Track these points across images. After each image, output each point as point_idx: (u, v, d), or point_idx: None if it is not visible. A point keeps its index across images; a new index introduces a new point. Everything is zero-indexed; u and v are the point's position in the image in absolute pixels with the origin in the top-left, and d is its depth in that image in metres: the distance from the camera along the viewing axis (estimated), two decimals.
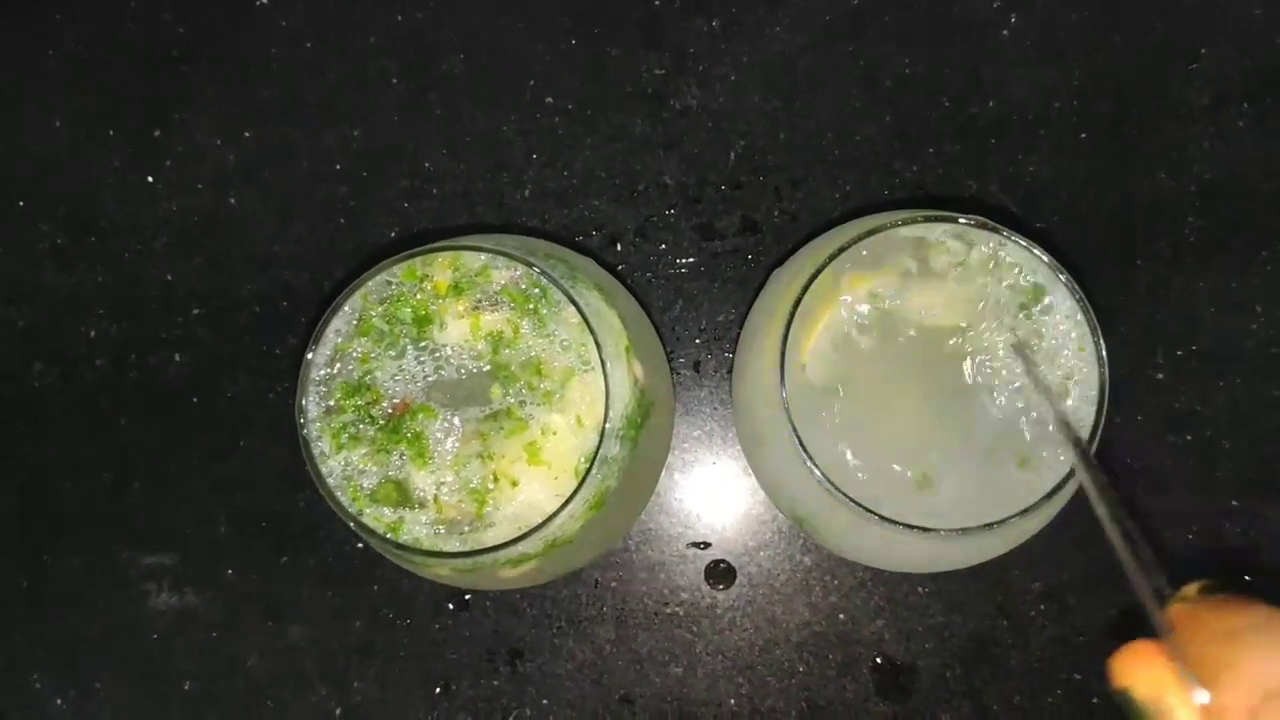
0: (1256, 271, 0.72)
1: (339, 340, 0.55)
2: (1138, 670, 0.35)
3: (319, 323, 0.55)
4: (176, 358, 0.75)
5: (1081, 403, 0.53)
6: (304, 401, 0.54)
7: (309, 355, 0.54)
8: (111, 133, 0.77)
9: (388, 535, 0.53)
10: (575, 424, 0.54)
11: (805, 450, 0.51)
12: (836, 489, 0.51)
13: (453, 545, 0.53)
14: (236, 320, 0.75)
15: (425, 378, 0.55)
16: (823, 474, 0.51)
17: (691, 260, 0.75)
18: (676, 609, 0.72)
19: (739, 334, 0.71)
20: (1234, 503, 0.71)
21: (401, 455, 0.55)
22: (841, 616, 0.72)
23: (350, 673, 0.73)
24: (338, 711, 0.73)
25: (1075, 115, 0.74)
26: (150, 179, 0.76)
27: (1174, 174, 0.73)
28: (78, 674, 0.74)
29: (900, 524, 0.50)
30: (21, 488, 0.75)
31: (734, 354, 0.71)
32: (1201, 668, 0.33)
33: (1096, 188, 0.74)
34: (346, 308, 0.55)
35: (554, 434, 0.54)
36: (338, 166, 0.76)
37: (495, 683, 0.72)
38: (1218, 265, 0.73)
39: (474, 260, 0.55)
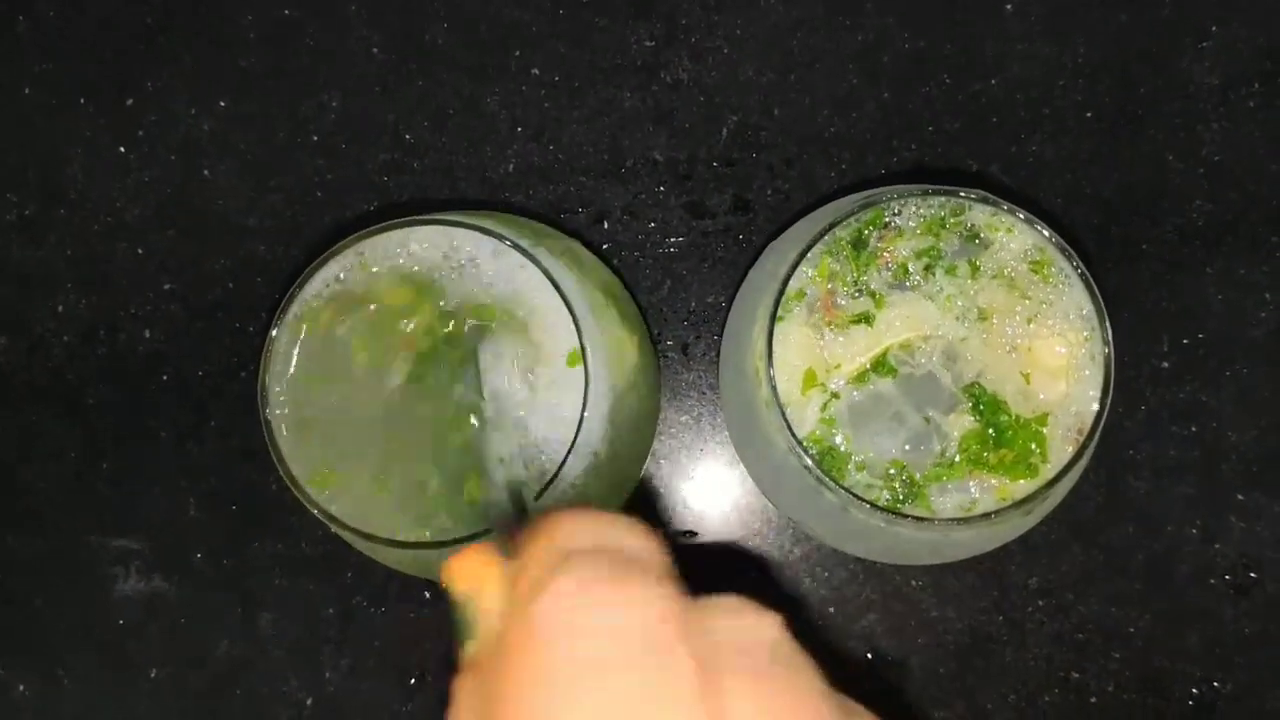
0: (1265, 257, 0.70)
1: (306, 316, 0.53)
2: (464, 569, 0.34)
3: (284, 299, 0.53)
4: (146, 334, 0.73)
5: (1086, 388, 0.50)
6: (267, 379, 0.51)
7: (273, 333, 0.52)
8: (82, 100, 0.74)
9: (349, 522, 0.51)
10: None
11: (793, 434, 0.49)
12: (825, 475, 0.48)
13: (419, 534, 0.51)
14: (209, 296, 0.73)
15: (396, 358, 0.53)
16: (813, 461, 0.49)
17: (681, 239, 0.72)
18: None
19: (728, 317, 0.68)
20: (1239, 496, 0.69)
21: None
22: (831, 610, 0.69)
23: (323, 662, 0.70)
24: (309, 702, 0.70)
25: (1080, 94, 0.71)
26: (122, 149, 0.74)
27: (1181, 156, 0.71)
28: (41, 660, 0.72)
29: (894, 513, 0.48)
30: None
31: (722, 336, 0.68)
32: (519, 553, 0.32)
33: (1101, 169, 0.71)
34: (312, 284, 0.52)
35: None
36: (316, 138, 0.73)
37: None
38: (1226, 250, 0.70)
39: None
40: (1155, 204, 0.71)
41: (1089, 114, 0.71)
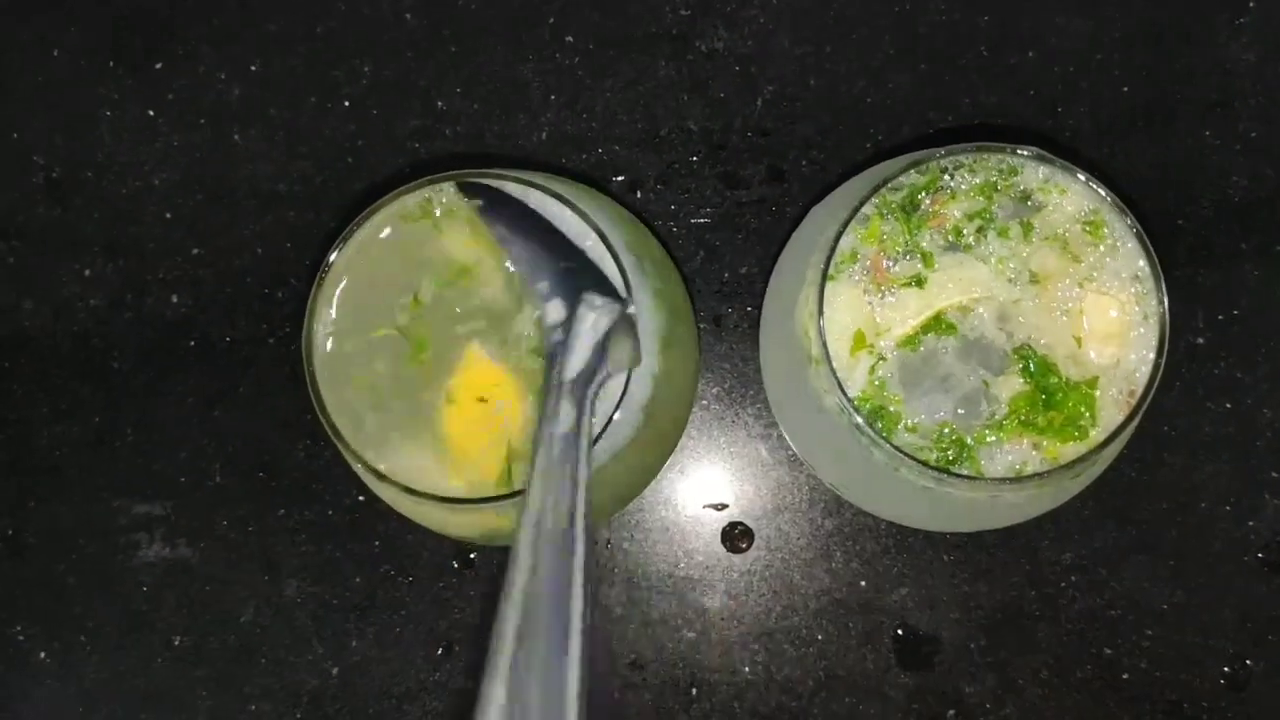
0: None
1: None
2: None
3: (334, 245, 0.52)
4: (174, 299, 0.72)
5: (1138, 350, 0.50)
6: (315, 326, 0.50)
7: (331, 258, 0.51)
8: (112, 64, 0.74)
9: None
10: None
11: (844, 393, 0.48)
12: (878, 434, 0.48)
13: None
14: (237, 261, 0.72)
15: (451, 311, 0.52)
16: (864, 420, 0.48)
17: (715, 210, 0.71)
18: (691, 572, 0.69)
19: (764, 288, 0.68)
20: (1273, 473, 0.69)
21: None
22: (863, 584, 0.69)
23: (349, 631, 0.70)
24: (334, 671, 0.70)
25: (1117, 69, 0.71)
26: (151, 113, 0.73)
27: (1218, 131, 0.70)
28: (63, 627, 0.71)
29: (946, 472, 0.47)
30: (7, 430, 0.72)
31: (758, 308, 0.68)
32: None
33: (1137, 144, 0.71)
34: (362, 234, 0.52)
35: None
36: (346, 103, 0.72)
37: None
38: (1262, 226, 0.70)
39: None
40: (1191, 180, 0.70)
41: (1125, 88, 0.71)
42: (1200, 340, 0.69)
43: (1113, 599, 0.68)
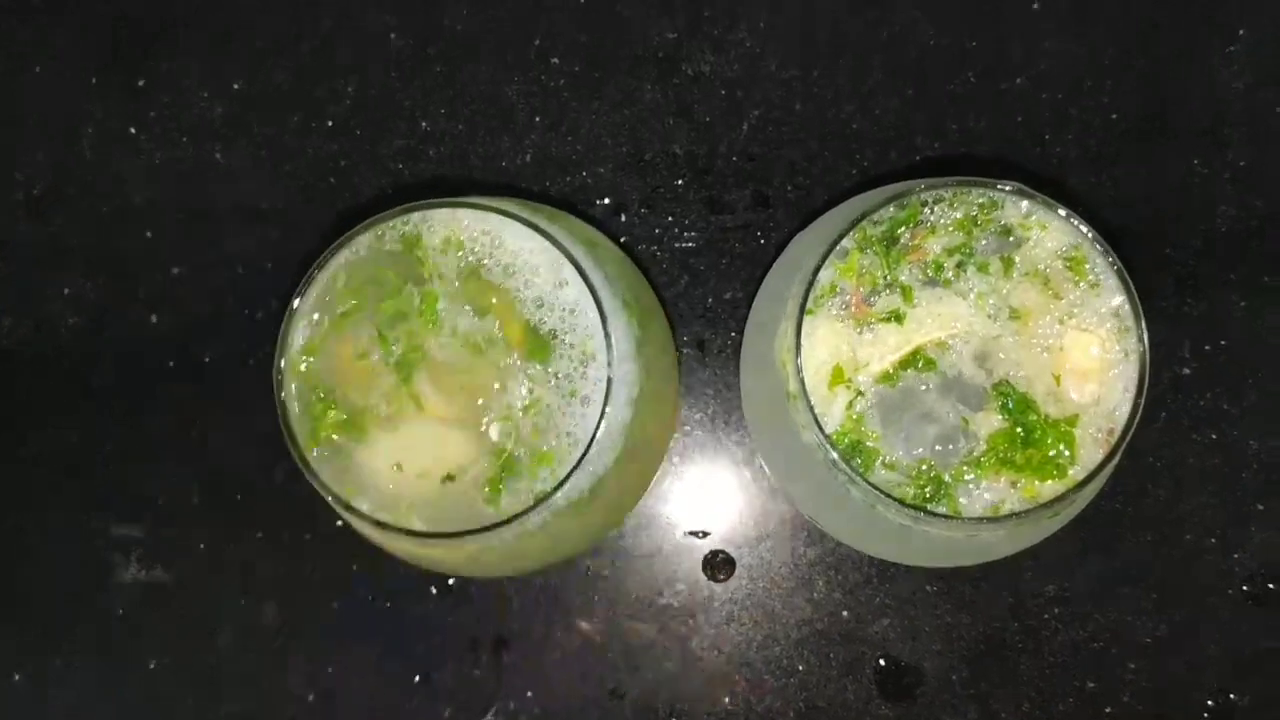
0: None
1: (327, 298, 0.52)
2: None
3: (302, 280, 0.52)
4: (154, 318, 0.71)
5: (1116, 388, 0.49)
6: (283, 362, 0.50)
7: (294, 303, 0.50)
8: (94, 80, 0.73)
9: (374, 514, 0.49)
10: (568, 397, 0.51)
11: (822, 429, 0.48)
12: (854, 471, 0.47)
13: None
14: (218, 281, 0.71)
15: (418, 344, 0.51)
16: (841, 457, 0.47)
17: (699, 234, 0.71)
18: (672, 600, 0.69)
19: (747, 313, 0.67)
20: (1259, 506, 0.68)
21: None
22: (845, 614, 0.68)
23: (326, 655, 0.69)
24: (310, 696, 0.69)
25: (1107, 95, 0.71)
26: (133, 130, 0.73)
27: (1207, 160, 0.70)
28: (38, 649, 0.70)
29: (922, 510, 0.47)
30: None
31: (742, 333, 0.67)
32: None
33: (1126, 172, 0.70)
34: (332, 264, 0.51)
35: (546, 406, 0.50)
36: (330, 123, 0.72)
37: (477, 672, 0.69)
38: (1250, 257, 0.69)
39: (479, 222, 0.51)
40: (1180, 208, 0.70)
41: (1114, 115, 0.70)
42: (1187, 371, 0.69)
43: (1096, 631, 0.68)
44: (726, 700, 0.68)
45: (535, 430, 0.50)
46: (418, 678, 0.69)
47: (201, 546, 0.70)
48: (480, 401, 0.51)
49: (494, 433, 0.50)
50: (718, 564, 0.69)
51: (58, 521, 0.71)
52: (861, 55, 0.71)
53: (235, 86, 0.72)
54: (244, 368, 0.71)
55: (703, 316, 0.71)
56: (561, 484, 0.47)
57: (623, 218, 0.71)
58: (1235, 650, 0.67)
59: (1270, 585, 0.68)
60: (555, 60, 0.72)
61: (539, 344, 0.50)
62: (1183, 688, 0.67)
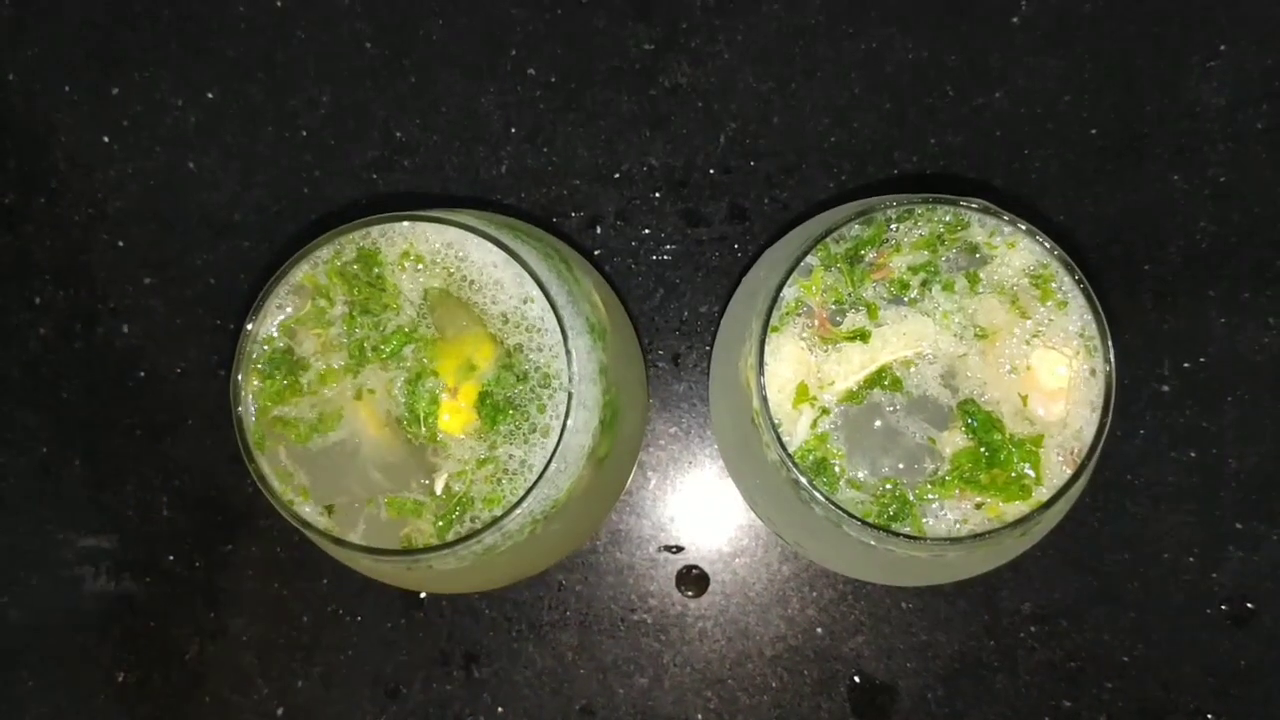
0: (1270, 282, 0.68)
1: (282, 317, 0.51)
2: None
3: (260, 295, 0.51)
4: (124, 329, 0.71)
5: (1085, 409, 0.49)
6: (239, 377, 0.49)
7: (248, 327, 0.50)
8: (67, 88, 0.73)
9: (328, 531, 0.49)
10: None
11: (784, 448, 0.47)
12: (817, 490, 0.46)
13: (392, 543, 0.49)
14: (189, 291, 0.71)
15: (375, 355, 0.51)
16: (804, 476, 0.47)
17: (675, 247, 0.70)
18: (644, 616, 0.68)
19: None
20: (1238, 524, 0.67)
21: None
22: (819, 631, 0.68)
23: (294, 670, 0.69)
24: (279, 711, 0.68)
25: (1085, 110, 0.70)
26: (106, 139, 0.72)
27: (1187, 176, 0.69)
28: (4, 661, 0.70)
29: (885, 530, 0.46)
30: None
31: (713, 347, 0.67)
32: None
33: (1104, 188, 0.70)
34: (290, 279, 0.51)
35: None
36: (304, 133, 0.71)
37: (448, 687, 0.68)
38: (1229, 273, 0.69)
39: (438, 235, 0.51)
40: (1158, 224, 0.69)
41: (1093, 130, 0.70)
42: (1165, 388, 0.68)
43: (1073, 650, 0.67)
44: (699, 717, 0.67)
45: (488, 479, 0.49)
46: (387, 692, 0.68)
47: (171, 559, 0.69)
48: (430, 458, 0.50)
49: (440, 484, 0.50)
50: (691, 579, 0.68)
51: (25, 532, 0.70)
52: (840, 69, 0.71)
53: (209, 96, 0.72)
54: (215, 379, 0.70)
55: (677, 330, 0.70)
56: (511, 510, 0.47)
57: (598, 230, 0.71)
58: (1213, 670, 0.67)
59: (1249, 605, 0.67)
60: (531, 71, 0.71)
61: (492, 410, 0.49)
62: (1160, 707, 0.67)
